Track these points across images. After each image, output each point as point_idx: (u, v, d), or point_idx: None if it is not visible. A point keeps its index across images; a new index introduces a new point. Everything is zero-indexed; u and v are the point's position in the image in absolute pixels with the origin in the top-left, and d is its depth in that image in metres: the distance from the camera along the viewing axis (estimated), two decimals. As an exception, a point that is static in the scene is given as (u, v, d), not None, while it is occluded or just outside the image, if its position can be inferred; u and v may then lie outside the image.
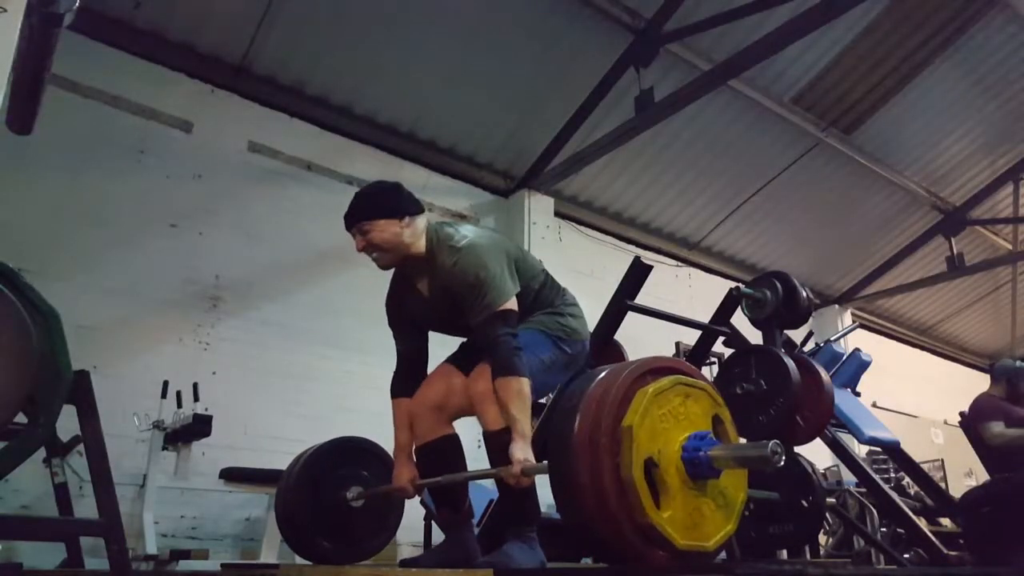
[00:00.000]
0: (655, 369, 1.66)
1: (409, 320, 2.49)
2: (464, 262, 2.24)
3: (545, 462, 1.83)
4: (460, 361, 2.46)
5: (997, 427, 4.44)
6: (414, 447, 2.42)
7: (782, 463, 1.51)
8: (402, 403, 2.45)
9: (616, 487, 1.50)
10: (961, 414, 4.71)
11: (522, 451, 2.03)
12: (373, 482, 2.66)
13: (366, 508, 2.65)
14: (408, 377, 2.48)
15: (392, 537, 2.79)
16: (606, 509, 1.51)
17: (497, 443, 2.16)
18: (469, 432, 2.46)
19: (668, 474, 1.56)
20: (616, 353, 4.22)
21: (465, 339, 2.57)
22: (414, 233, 2.30)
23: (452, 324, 2.44)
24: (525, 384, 2.10)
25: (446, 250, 2.28)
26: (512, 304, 2.23)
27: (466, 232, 2.33)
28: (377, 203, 2.29)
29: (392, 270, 2.46)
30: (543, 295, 2.44)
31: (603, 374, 1.67)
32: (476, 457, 2.54)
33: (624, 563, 1.69)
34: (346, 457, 2.70)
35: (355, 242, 2.31)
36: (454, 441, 2.42)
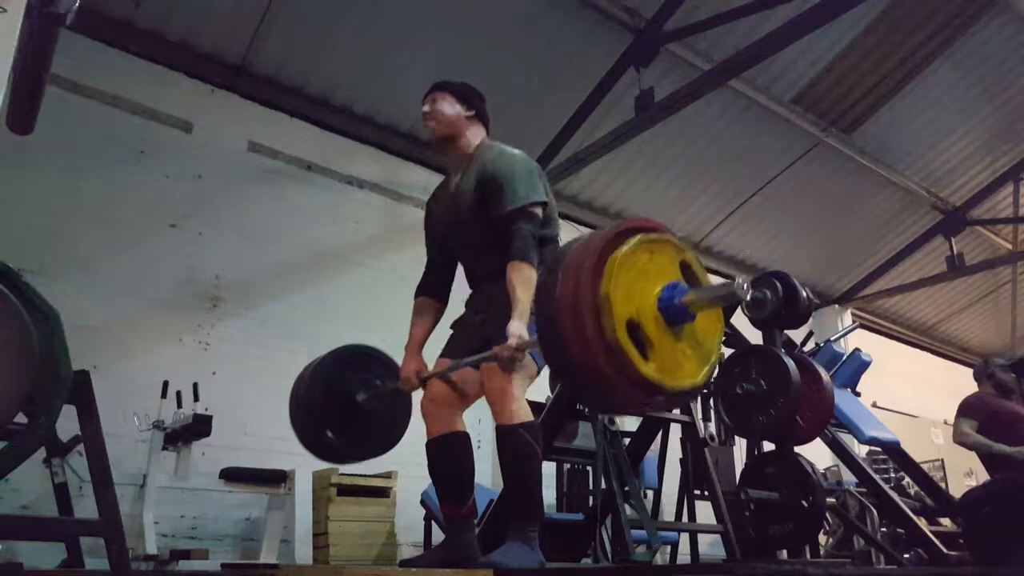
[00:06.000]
0: (620, 233, 1.73)
1: (435, 229, 2.71)
2: (505, 157, 2.46)
3: (535, 337, 1.90)
4: (459, 353, 2.49)
5: (967, 425, 4.42)
6: (426, 441, 2.48)
7: (749, 296, 1.59)
8: (422, 301, 2.66)
9: (604, 349, 1.59)
10: (960, 414, 4.71)
11: (519, 328, 2.16)
12: (382, 388, 2.72)
13: (377, 409, 2.71)
14: (434, 279, 2.69)
15: (402, 435, 2.79)
16: (599, 370, 1.61)
17: (510, 439, 2.25)
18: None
19: (649, 329, 1.65)
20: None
21: (452, 327, 2.62)
22: (471, 129, 2.58)
23: (462, 229, 2.55)
24: (533, 272, 2.26)
25: (489, 149, 2.53)
26: (538, 209, 2.39)
27: (513, 150, 2.52)
28: (461, 87, 2.64)
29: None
30: (549, 228, 2.53)
31: (575, 247, 1.73)
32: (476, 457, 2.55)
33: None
34: (356, 364, 2.76)
35: (423, 107, 2.59)
36: (464, 438, 2.50)
